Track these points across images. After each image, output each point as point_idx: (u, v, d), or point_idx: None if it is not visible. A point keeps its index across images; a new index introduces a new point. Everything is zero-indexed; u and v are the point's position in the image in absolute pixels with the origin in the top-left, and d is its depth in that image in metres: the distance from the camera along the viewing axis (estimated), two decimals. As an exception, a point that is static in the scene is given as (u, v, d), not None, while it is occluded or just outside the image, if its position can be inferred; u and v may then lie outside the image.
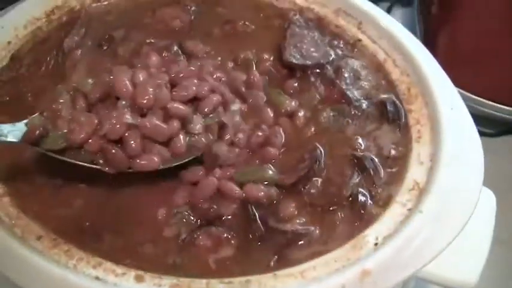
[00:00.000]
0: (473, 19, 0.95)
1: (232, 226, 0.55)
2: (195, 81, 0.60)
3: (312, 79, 0.69)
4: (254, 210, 0.55)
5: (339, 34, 0.76)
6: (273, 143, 0.61)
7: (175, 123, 0.56)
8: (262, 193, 0.57)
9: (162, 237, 0.54)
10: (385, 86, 0.70)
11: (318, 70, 0.70)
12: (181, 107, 0.57)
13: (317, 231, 0.55)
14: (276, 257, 0.53)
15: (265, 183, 0.58)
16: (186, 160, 0.57)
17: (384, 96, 0.68)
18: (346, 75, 0.70)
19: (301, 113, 0.65)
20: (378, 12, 0.75)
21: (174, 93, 0.58)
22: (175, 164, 0.57)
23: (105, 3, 0.78)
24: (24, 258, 0.49)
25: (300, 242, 0.54)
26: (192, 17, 0.76)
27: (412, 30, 1.08)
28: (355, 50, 0.74)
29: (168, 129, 0.56)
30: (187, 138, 0.57)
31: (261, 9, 0.79)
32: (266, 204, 0.56)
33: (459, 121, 0.64)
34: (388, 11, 1.19)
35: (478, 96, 0.95)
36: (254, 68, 0.68)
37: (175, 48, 0.69)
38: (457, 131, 0.62)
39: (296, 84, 0.68)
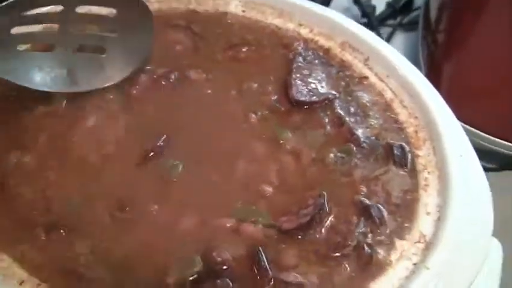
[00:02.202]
0: (481, 51, 0.92)
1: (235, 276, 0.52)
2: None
3: (319, 115, 0.67)
4: (263, 255, 0.52)
5: (346, 67, 0.74)
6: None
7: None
8: (263, 234, 0.54)
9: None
10: (392, 127, 0.67)
11: (325, 105, 0.68)
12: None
13: (319, 283, 0.53)
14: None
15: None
16: None
17: (391, 139, 0.66)
18: (353, 111, 0.68)
19: (306, 152, 0.63)
20: (385, 48, 0.73)
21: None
22: None
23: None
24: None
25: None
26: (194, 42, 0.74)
27: (415, 57, 1.07)
28: (362, 85, 0.72)
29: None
30: None
31: (264, 36, 0.77)
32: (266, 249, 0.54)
33: (468, 170, 0.62)
34: (390, 36, 1.16)
35: (481, 131, 0.93)
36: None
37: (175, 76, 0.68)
38: (466, 180, 0.60)
39: (301, 120, 0.66)
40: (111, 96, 0.65)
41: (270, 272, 0.51)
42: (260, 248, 0.53)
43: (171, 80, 0.68)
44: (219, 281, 0.50)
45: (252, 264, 0.52)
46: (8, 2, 0.61)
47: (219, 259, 0.52)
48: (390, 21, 1.21)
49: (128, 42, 0.66)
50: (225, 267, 0.52)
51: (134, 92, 0.67)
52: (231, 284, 0.50)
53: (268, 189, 0.58)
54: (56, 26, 0.65)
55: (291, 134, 0.64)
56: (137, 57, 0.67)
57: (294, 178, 0.60)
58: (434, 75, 0.96)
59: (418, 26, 1.13)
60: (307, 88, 0.69)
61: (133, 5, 0.65)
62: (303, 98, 0.67)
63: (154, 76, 0.68)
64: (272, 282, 0.51)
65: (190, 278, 0.50)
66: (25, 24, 0.63)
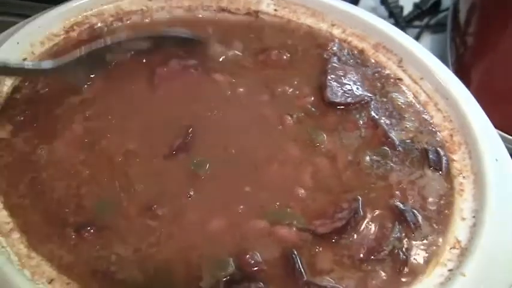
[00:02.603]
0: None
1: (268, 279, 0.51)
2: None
3: (354, 117, 0.66)
4: (298, 258, 0.52)
5: (381, 68, 0.73)
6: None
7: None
8: (297, 237, 0.54)
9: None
10: (427, 130, 0.66)
11: (360, 107, 0.67)
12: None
13: (353, 289, 0.52)
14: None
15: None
16: None
17: (427, 142, 0.65)
18: (388, 113, 0.67)
19: (341, 154, 0.62)
20: (419, 50, 0.72)
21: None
22: None
23: (127, 22, 0.75)
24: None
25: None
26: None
27: (443, 59, 1.05)
28: (397, 87, 0.71)
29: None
30: None
31: (296, 38, 0.76)
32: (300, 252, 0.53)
33: (504, 174, 0.61)
34: (418, 37, 1.15)
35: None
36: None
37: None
38: (502, 185, 0.59)
39: (336, 122, 0.65)
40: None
41: (304, 276, 0.50)
42: (295, 251, 0.52)
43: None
44: (252, 284, 0.49)
45: (285, 267, 0.51)
46: None
47: (252, 261, 0.51)
48: (417, 22, 1.19)
49: None
50: (258, 269, 0.51)
51: (163, 71, 0.66)
52: (264, 287, 0.49)
53: (302, 192, 0.58)
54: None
55: (326, 136, 0.63)
56: None
57: (328, 181, 0.60)
58: (463, 79, 0.94)
59: (446, 27, 1.11)
60: (342, 89, 0.67)
61: None
62: (338, 100, 0.67)
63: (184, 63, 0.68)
64: (306, 286, 0.50)
65: (224, 280, 0.50)
66: None
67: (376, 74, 0.72)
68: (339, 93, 0.67)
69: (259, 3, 0.78)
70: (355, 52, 0.74)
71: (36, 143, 0.59)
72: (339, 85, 0.68)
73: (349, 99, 0.67)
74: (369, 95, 0.68)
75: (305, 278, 0.51)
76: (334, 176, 0.60)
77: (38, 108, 0.62)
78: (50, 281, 0.48)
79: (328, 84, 0.68)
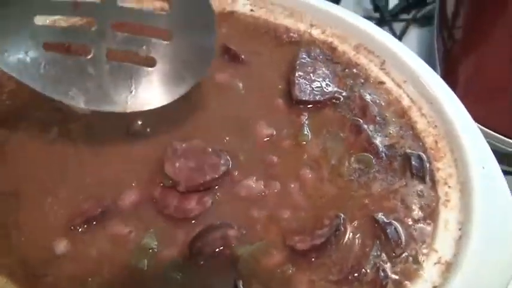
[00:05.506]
0: (502, 49, 0.87)
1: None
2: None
3: (327, 116, 0.64)
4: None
5: (353, 65, 0.70)
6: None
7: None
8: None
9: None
10: (410, 135, 0.64)
11: (333, 105, 0.65)
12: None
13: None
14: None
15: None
16: None
17: (409, 147, 0.62)
18: (373, 115, 0.64)
19: (322, 162, 0.60)
20: (403, 51, 0.69)
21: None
22: None
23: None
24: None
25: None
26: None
27: (430, 53, 1.02)
28: (376, 89, 0.68)
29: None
30: None
31: (270, 37, 0.74)
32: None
33: (491, 182, 0.58)
34: (404, 31, 1.12)
35: (499, 133, 0.88)
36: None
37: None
38: (490, 195, 0.57)
39: (307, 122, 0.63)
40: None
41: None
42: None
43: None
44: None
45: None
46: None
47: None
48: (404, 16, 1.16)
49: (185, 51, 0.50)
50: None
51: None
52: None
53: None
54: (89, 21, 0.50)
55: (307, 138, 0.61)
56: (196, 70, 0.52)
57: (310, 192, 0.57)
58: (450, 73, 0.92)
59: (434, 20, 1.08)
60: (310, 87, 0.65)
61: None
62: (306, 98, 0.64)
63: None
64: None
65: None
66: (52, 12, 0.49)
67: (348, 70, 0.70)
68: (307, 91, 0.64)
69: (235, 3, 0.75)
70: (326, 49, 0.72)
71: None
72: (307, 82, 0.65)
73: (317, 97, 0.64)
74: (340, 91, 0.66)
75: None
76: (317, 187, 0.58)
77: None
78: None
79: (296, 81, 0.65)
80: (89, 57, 0.49)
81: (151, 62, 0.50)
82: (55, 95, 0.49)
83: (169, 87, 0.51)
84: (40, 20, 0.49)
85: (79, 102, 0.50)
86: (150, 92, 0.50)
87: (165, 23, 0.49)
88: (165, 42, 0.50)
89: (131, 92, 0.50)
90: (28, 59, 0.48)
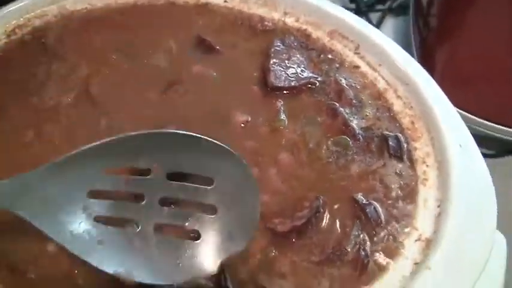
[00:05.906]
0: (477, 34, 0.88)
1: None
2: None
3: (305, 100, 0.64)
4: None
5: (327, 51, 0.71)
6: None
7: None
8: None
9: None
10: (387, 117, 0.64)
11: (309, 90, 0.65)
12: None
13: (313, 291, 0.49)
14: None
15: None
16: None
17: (386, 129, 0.62)
18: (349, 99, 0.65)
19: (300, 146, 0.60)
20: (377, 35, 0.70)
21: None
22: None
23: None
24: None
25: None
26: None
27: (407, 42, 1.03)
28: (351, 73, 0.68)
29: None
30: None
31: (245, 27, 0.74)
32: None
33: (469, 160, 0.59)
34: (380, 21, 1.13)
35: (477, 116, 0.89)
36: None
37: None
38: (467, 173, 0.57)
39: (283, 107, 0.63)
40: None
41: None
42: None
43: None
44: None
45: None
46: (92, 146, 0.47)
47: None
48: (379, 6, 1.16)
49: (228, 224, 0.50)
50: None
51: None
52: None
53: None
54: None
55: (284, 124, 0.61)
56: (238, 242, 0.50)
57: (289, 174, 0.57)
58: (427, 61, 0.92)
59: (409, 10, 1.09)
60: (285, 73, 0.65)
61: (236, 170, 0.49)
62: (281, 84, 0.64)
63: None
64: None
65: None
66: (104, 186, 0.48)
67: (323, 56, 0.70)
68: (283, 78, 0.65)
69: (209, -6, 0.75)
70: (306, 38, 0.72)
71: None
72: (282, 69, 0.65)
73: (293, 83, 0.65)
74: (315, 76, 0.66)
75: None
76: (295, 169, 0.58)
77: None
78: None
79: (271, 68, 0.65)
80: (138, 230, 0.49)
81: (196, 235, 0.50)
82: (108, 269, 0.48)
83: (212, 259, 0.50)
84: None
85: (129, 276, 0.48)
86: (195, 264, 0.49)
87: (210, 199, 0.49)
88: (211, 216, 0.50)
89: (178, 264, 0.49)
90: (82, 231, 0.48)
